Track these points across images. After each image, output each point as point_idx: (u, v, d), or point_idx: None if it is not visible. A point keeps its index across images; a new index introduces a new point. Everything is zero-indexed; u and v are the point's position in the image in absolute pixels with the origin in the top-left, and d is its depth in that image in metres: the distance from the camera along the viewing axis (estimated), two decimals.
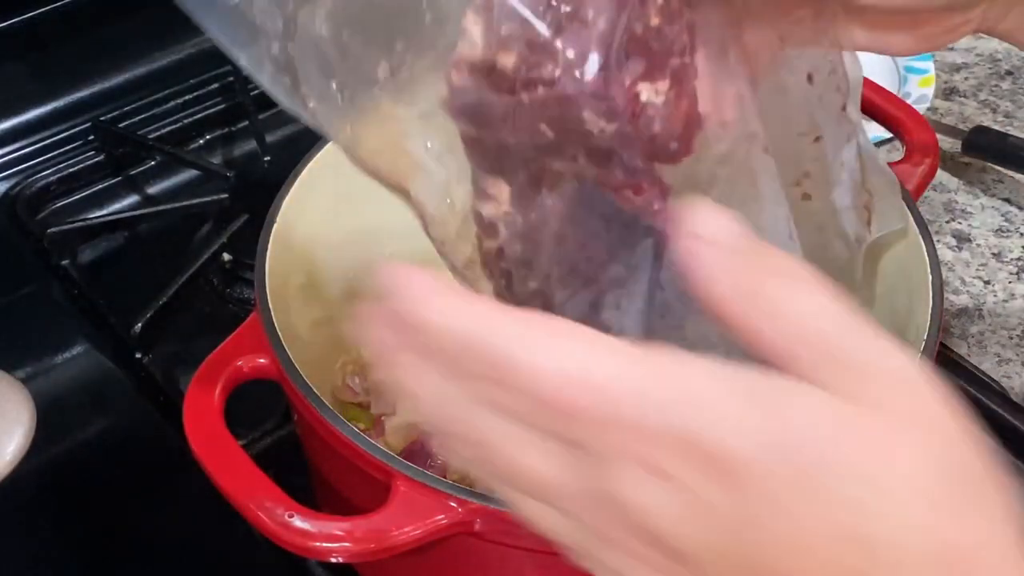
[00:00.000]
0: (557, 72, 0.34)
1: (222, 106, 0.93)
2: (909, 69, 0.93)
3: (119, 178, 0.89)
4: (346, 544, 0.48)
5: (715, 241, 0.31)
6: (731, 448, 0.29)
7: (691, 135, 0.38)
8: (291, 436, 0.66)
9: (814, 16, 0.48)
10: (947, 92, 0.94)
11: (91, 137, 0.90)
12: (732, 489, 0.29)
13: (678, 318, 0.39)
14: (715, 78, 0.41)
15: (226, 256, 0.80)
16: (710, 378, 0.30)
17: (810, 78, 0.51)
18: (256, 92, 0.93)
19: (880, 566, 0.29)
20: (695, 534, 0.30)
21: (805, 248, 0.45)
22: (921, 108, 0.88)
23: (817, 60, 0.51)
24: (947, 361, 0.71)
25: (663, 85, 0.36)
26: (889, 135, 0.73)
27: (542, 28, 0.34)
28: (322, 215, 0.65)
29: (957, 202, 0.85)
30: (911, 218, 0.60)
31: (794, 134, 0.52)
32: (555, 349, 0.30)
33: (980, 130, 0.87)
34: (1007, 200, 0.85)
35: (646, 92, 0.36)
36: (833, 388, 0.30)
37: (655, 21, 0.36)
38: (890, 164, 0.64)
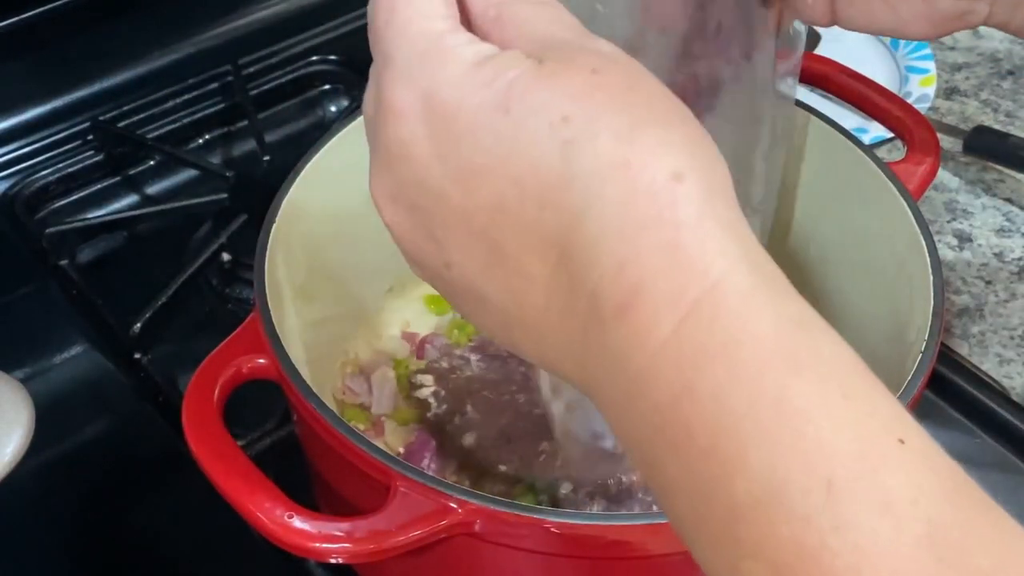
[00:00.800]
0: None
1: (221, 106, 0.93)
2: (910, 69, 0.93)
3: (118, 178, 0.89)
4: (346, 545, 0.48)
5: None
6: (446, 95, 0.34)
7: None
8: (291, 436, 0.65)
9: None
10: (948, 92, 0.94)
11: (90, 137, 0.90)
12: (437, 131, 0.34)
13: None
14: None
15: (225, 256, 0.80)
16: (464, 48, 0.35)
17: None
18: (256, 92, 0.93)
19: (578, 185, 0.32)
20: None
21: None
22: (922, 108, 0.88)
23: None
24: (948, 361, 0.71)
25: None
26: (890, 135, 0.73)
27: None
28: (322, 215, 0.65)
29: (958, 202, 0.85)
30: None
31: None
32: None
33: (981, 130, 0.87)
34: (1008, 200, 0.85)
35: None
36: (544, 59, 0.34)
37: None
38: (891, 164, 0.64)
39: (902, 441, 0.30)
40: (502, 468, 0.60)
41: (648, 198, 0.32)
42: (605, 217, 0.32)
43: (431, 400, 0.65)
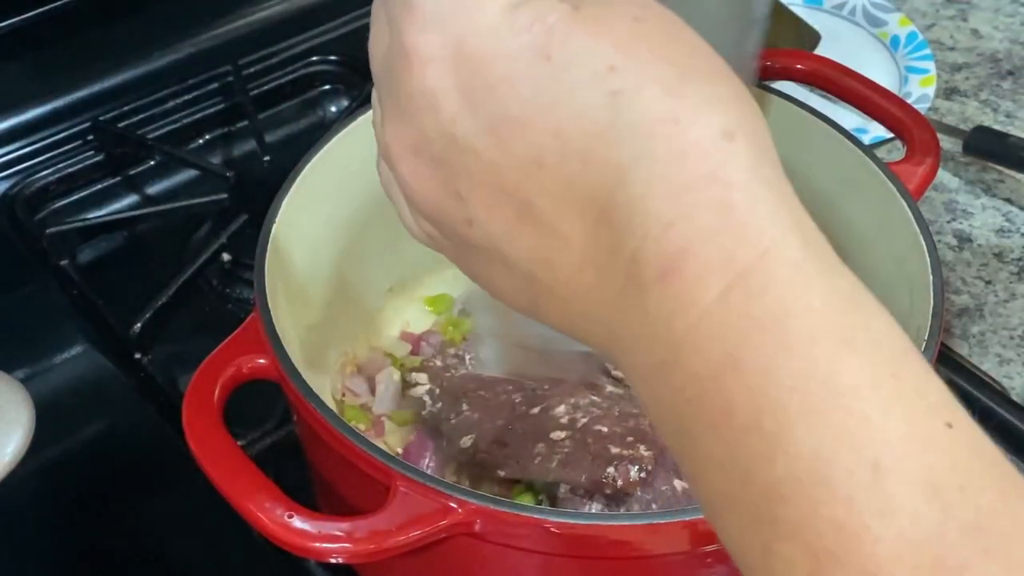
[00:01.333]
0: None
1: (221, 106, 0.93)
2: (910, 69, 0.93)
3: (118, 178, 0.89)
4: (346, 544, 0.48)
5: None
6: (480, 41, 0.32)
7: None
8: (291, 436, 0.66)
9: None
10: (948, 92, 0.94)
11: (90, 137, 0.90)
12: (468, 79, 0.33)
13: None
14: None
15: (225, 256, 0.80)
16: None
17: None
18: (256, 92, 0.93)
19: (625, 139, 0.31)
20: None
21: None
22: (922, 108, 0.88)
23: None
24: (948, 361, 0.71)
25: None
26: (890, 135, 0.73)
27: None
28: (322, 215, 0.65)
29: (958, 202, 0.85)
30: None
31: None
32: None
33: (981, 130, 0.87)
34: (1008, 200, 0.85)
35: None
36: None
37: None
38: (890, 164, 0.64)
39: (950, 425, 0.29)
40: (500, 473, 0.60)
41: (698, 155, 0.30)
42: (653, 174, 0.30)
43: (426, 398, 0.65)
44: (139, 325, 0.74)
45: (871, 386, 0.29)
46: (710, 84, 0.31)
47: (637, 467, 0.58)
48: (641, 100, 0.31)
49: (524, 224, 0.33)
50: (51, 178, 0.88)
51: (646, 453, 0.58)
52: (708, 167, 0.30)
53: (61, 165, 0.88)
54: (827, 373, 0.29)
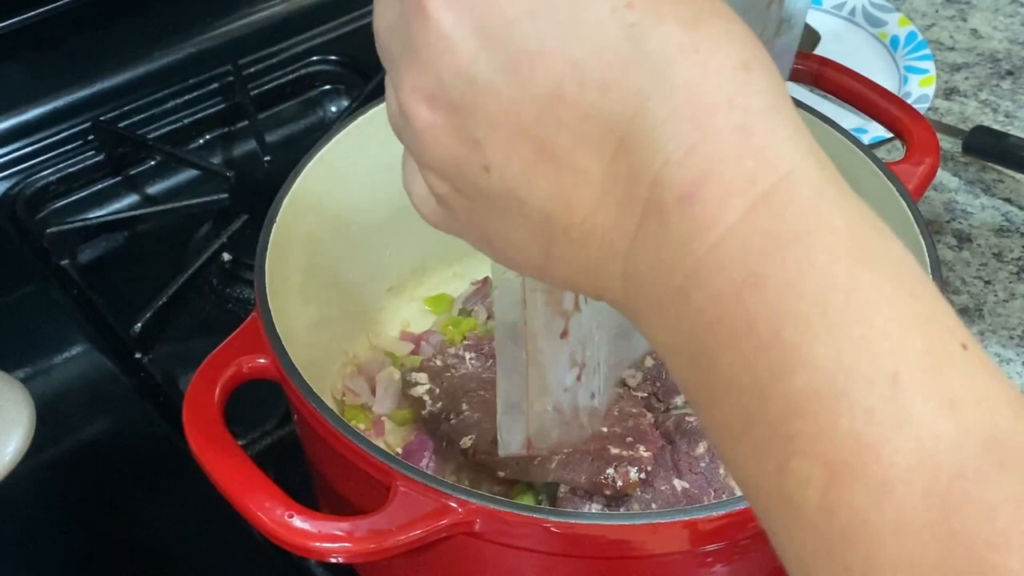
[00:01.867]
0: None
1: (222, 106, 0.93)
2: (909, 69, 0.93)
3: (119, 178, 0.89)
4: (346, 544, 0.48)
5: None
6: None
7: None
8: (291, 436, 0.66)
9: None
10: (947, 92, 0.94)
11: (91, 137, 0.90)
12: (484, 18, 0.33)
13: None
14: None
15: (226, 256, 0.80)
16: None
17: None
18: (256, 92, 0.93)
19: (645, 67, 0.31)
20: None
21: None
22: (921, 108, 0.88)
23: None
24: None
25: None
26: (889, 135, 0.73)
27: None
28: (322, 215, 0.65)
29: (957, 202, 0.85)
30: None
31: None
32: None
33: (980, 130, 0.87)
34: (1007, 200, 0.85)
35: None
36: None
37: None
38: (890, 164, 0.64)
39: (965, 347, 0.29)
40: (500, 474, 0.60)
41: (718, 82, 0.31)
42: (674, 100, 0.31)
43: (425, 398, 0.65)
44: (139, 325, 0.74)
45: (890, 303, 0.29)
46: (726, 21, 0.32)
47: (636, 468, 0.58)
48: (660, 32, 0.31)
49: (543, 162, 0.33)
50: (52, 178, 0.88)
51: (645, 454, 0.59)
52: (728, 94, 0.31)
53: (62, 165, 0.89)
54: (848, 288, 0.29)
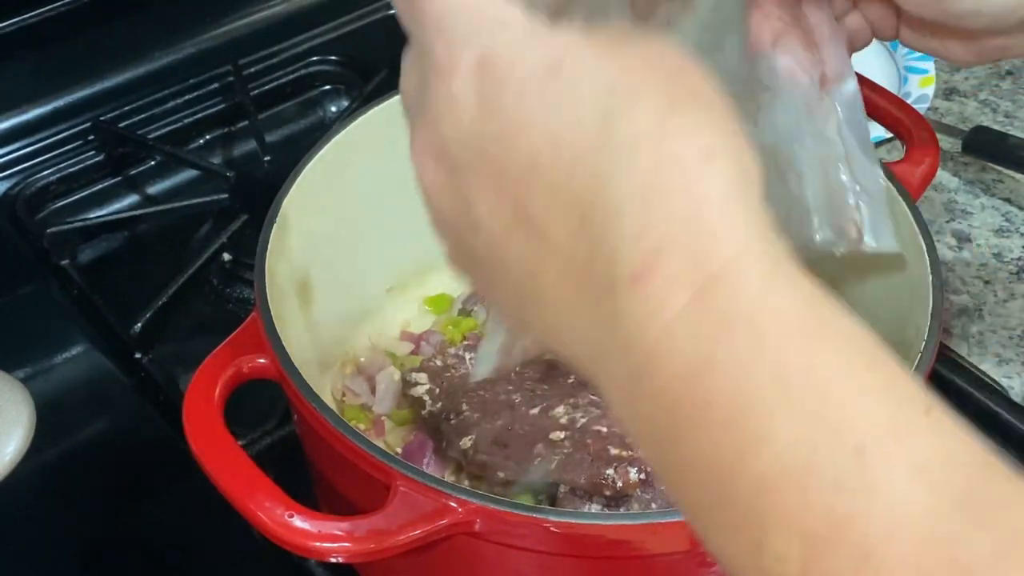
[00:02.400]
0: None
1: (222, 106, 0.93)
2: (909, 69, 0.93)
3: (119, 178, 0.89)
4: (346, 544, 0.48)
5: None
6: (502, 52, 0.35)
7: None
8: (291, 436, 0.66)
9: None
10: (947, 92, 0.94)
11: (91, 137, 0.90)
12: (487, 87, 0.35)
13: None
14: None
15: (226, 256, 0.80)
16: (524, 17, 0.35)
17: None
18: (256, 92, 0.93)
19: (611, 150, 0.33)
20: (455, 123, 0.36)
21: None
22: (921, 108, 0.88)
23: None
24: (947, 361, 0.71)
25: None
26: (889, 135, 0.73)
27: None
28: (322, 215, 0.65)
29: (957, 202, 0.85)
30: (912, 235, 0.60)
31: None
32: None
33: (980, 130, 0.87)
34: (1007, 200, 0.85)
35: None
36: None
37: None
38: (890, 164, 0.64)
39: (928, 411, 0.30)
40: (500, 475, 0.60)
41: (676, 170, 0.32)
42: (632, 183, 0.32)
43: (425, 398, 0.65)
44: (139, 325, 0.74)
45: (848, 376, 0.30)
46: (701, 112, 0.33)
47: (636, 468, 0.58)
48: (632, 119, 0.33)
49: (519, 227, 0.35)
50: (52, 178, 0.88)
51: None
52: (685, 181, 0.32)
53: (62, 165, 0.89)
54: (803, 365, 0.30)
